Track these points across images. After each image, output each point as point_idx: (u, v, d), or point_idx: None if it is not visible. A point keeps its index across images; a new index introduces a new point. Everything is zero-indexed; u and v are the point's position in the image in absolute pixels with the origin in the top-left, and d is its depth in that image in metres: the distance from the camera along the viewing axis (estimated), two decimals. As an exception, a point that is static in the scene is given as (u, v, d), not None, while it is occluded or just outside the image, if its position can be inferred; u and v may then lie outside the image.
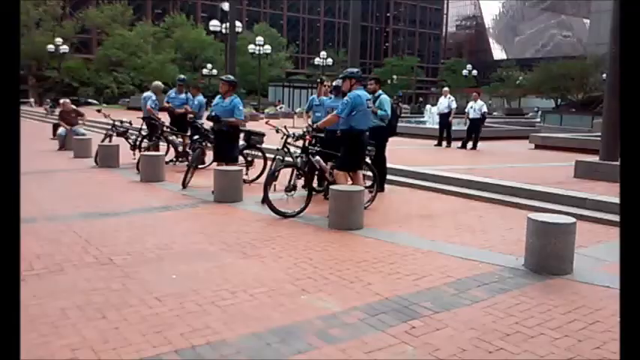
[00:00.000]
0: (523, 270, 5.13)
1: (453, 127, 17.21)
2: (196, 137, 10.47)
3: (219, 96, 8.79)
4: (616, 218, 6.68)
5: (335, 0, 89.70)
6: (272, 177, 7.15)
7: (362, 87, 7.14)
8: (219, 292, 4.31)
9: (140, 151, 11.49)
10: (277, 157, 8.25)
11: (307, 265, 5.11)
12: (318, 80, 9.48)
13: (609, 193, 7.97)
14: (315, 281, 4.66)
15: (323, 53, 43.53)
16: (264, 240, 5.99)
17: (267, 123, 8.62)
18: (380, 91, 8.58)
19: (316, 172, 7.79)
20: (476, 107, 16.23)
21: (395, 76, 65.60)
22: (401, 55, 79.02)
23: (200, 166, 10.43)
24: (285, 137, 8.18)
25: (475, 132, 16.25)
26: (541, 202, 7.89)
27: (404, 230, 6.65)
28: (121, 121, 13.15)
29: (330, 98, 8.51)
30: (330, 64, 44.30)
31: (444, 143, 17.05)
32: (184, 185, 9.03)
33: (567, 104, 60.17)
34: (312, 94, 10.54)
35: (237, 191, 8.17)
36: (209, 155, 10.21)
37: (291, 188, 7.26)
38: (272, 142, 10.84)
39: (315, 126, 7.19)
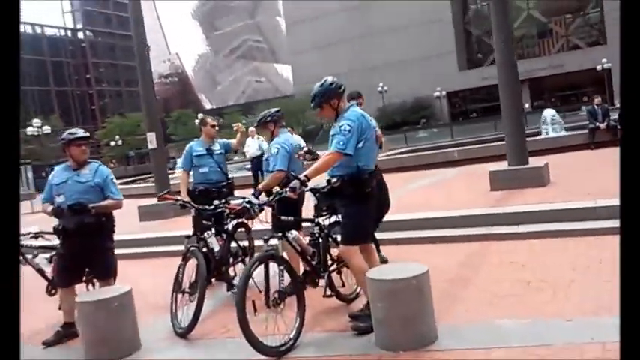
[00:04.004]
0: None
1: (237, 174, 15.08)
2: None
3: (61, 167, 4.85)
4: None
5: (25, 65, 78.65)
6: (246, 284, 3.83)
7: (353, 104, 4.39)
8: None
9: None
10: (191, 248, 4.86)
11: None
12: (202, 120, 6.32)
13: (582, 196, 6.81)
14: None
15: (37, 121, 36.43)
16: None
17: (162, 197, 5.03)
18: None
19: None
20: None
21: (117, 137, 60.06)
22: (110, 115, 73.11)
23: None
24: (196, 214, 4.88)
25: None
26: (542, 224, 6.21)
27: (499, 316, 4.08)
28: None
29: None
30: (49, 131, 37.42)
31: (261, 189, 14.66)
32: None
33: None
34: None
35: (131, 332, 4.44)
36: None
37: (279, 299, 3.99)
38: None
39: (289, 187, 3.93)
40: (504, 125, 8.89)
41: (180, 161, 6.30)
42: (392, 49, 58.37)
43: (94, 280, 5.39)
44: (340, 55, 61.88)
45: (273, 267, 4.08)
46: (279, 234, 4.19)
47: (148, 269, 7.73)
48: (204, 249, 5.05)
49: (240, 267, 5.77)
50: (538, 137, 16.01)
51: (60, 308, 5.21)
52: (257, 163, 14.76)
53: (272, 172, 5.17)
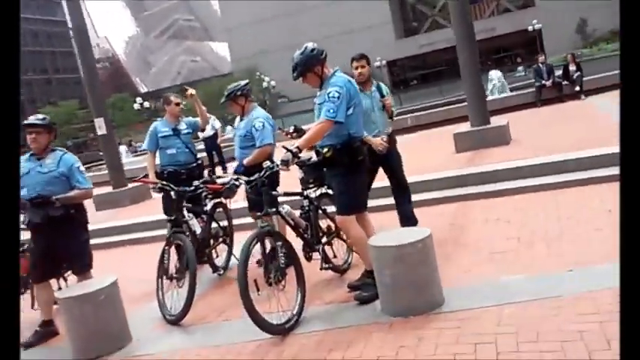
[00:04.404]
0: None
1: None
2: None
3: (24, 157, 4.42)
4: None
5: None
6: (246, 263, 3.66)
7: (337, 69, 4.21)
8: None
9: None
10: (175, 231, 4.62)
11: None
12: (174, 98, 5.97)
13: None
14: None
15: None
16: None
17: (139, 180, 4.72)
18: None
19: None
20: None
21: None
22: (41, 105, 69.46)
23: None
24: (176, 196, 4.63)
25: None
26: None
27: (499, 273, 4.08)
28: None
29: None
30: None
31: (219, 170, 14.29)
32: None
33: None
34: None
35: (120, 324, 4.19)
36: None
37: (279, 276, 3.83)
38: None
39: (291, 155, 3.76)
40: (465, 87, 8.95)
41: (145, 144, 5.93)
42: (330, 22, 58.00)
43: (66, 274, 5.06)
44: (278, 30, 60.99)
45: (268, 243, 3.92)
46: (274, 209, 4.00)
47: (116, 259, 7.39)
48: (187, 232, 4.81)
49: (222, 248, 5.57)
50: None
51: (33, 307, 4.88)
52: (211, 144, 14.41)
53: (260, 147, 4.93)
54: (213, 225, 5.37)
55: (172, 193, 4.68)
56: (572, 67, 14.53)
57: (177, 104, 5.90)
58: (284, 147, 3.82)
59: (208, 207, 5.26)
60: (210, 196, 5.15)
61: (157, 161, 5.99)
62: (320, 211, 4.57)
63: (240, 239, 5.85)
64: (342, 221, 4.07)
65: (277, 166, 3.79)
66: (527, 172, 6.36)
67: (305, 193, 4.46)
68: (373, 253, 3.74)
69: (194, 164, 5.87)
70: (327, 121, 3.84)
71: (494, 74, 17.42)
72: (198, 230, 5.00)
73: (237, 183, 3.95)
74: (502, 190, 6.18)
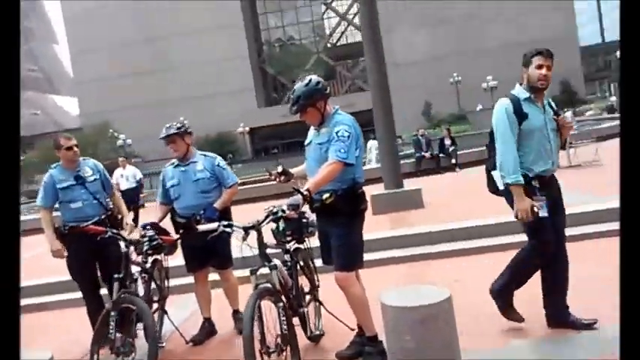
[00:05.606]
0: None
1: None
2: None
3: None
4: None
5: None
6: (253, 330, 2.96)
7: (338, 107, 3.80)
8: None
9: None
10: (123, 292, 3.75)
11: None
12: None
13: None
14: None
15: None
16: None
17: (87, 228, 3.69)
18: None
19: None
20: (129, 175, 12.75)
21: None
22: None
23: None
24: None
25: (134, 204, 12.70)
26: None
27: (497, 337, 3.81)
28: None
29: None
30: None
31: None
32: None
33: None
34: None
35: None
36: None
37: (283, 345, 3.15)
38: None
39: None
40: (380, 150, 9.00)
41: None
42: (192, 84, 57.49)
43: None
44: (135, 88, 58.89)
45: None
46: (273, 264, 3.37)
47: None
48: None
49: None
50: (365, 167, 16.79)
51: None
52: (133, 195, 12.83)
53: (231, 186, 4.69)
54: (152, 286, 4.48)
55: (123, 244, 3.80)
56: (447, 141, 15.64)
57: (70, 148, 4.69)
58: (294, 188, 3.28)
59: (149, 264, 4.38)
60: (150, 252, 4.30)
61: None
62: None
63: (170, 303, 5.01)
64: (343, 279, 3.55)
65: (283, 211, 3.23)
66: (461, 235, 6.41)
67: (287, 247, 3.88)
68: (390, 314, 3.26)
69: (103, 216, 4.83)
70: (339, 163, 3.41)
71: (372, 144, 18.11)
72: (142, 292, 4.10)
73: (228, 230, 3.28)
74: (443, 252, 6.12)
